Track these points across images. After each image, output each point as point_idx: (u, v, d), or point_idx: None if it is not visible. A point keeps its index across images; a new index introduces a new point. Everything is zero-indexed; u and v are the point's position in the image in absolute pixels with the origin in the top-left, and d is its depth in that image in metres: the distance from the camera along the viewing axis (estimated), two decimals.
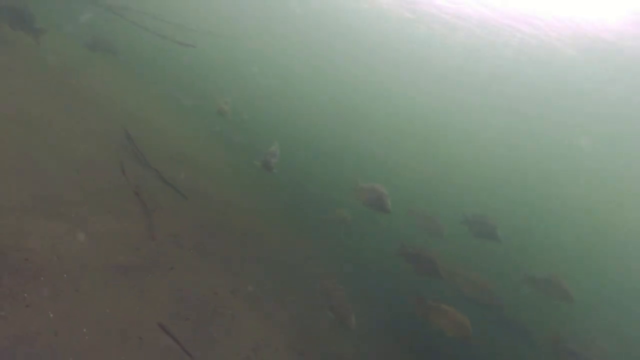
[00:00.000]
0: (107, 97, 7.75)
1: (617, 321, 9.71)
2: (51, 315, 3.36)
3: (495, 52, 20.72)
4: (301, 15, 27.91)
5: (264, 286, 6.01)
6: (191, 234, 5.85)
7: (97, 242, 4.40)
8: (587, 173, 29.78)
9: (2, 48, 6.55)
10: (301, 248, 8.27)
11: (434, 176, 16.69)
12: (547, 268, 9.53)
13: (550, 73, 20.92)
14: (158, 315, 4.10)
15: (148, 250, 4.89)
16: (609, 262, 13.93)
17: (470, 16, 16.80)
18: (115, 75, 9.41)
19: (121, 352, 3.46)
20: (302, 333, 5.67)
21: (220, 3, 25.82)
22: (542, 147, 32.35)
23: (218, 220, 6.78)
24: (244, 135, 9.95)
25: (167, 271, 4.80)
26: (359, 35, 29.33)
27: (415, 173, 15.84)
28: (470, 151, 29.02)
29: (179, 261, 5.12)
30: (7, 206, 3.95)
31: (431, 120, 35.82)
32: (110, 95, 8.04)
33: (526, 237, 13.29)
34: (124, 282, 4.20)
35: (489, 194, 17.61)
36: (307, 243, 8.62)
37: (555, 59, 18.20)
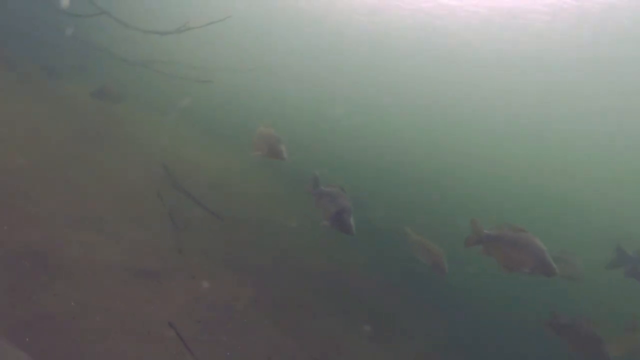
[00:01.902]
0: (144, 138, 9.15)
1: None
2: (72, 303, 3.94)
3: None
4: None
5: (291, 301, 6.12)
6: (221, 250, 6.32)
7: (127, 252, 5.06)
8: None
9: (51, 103, 8.23)
10: (358, 279, 8.15)
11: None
12: None
13: None
14: (170, 315, 4.49)
15: (174, 260, 5.43)
16: None
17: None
18: (148, 119, 10.93)
19: (126, 339, 3.87)
20: (331, 347, 5.58)
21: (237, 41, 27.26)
22: None
23: (254, 240, 7.18)
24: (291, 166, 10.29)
25: (188, 278, 5.25)
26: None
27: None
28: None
29: (203, 271, 5.55)
30: (51, 221, 4.84)
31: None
32: (147, 136, 9.44)
33: None
34: (144, 283, 4.72)
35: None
36: (365, 278, 8.37)
37: None
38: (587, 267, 6.50)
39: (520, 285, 7.09)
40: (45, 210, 4.94)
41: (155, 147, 8.91)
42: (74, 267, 4.37)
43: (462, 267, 6.93)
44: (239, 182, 9.62)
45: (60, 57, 10.24)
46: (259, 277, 6.20)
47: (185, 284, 5.12)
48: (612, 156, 28.73)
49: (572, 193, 17.13)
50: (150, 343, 4.00)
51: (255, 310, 5.39)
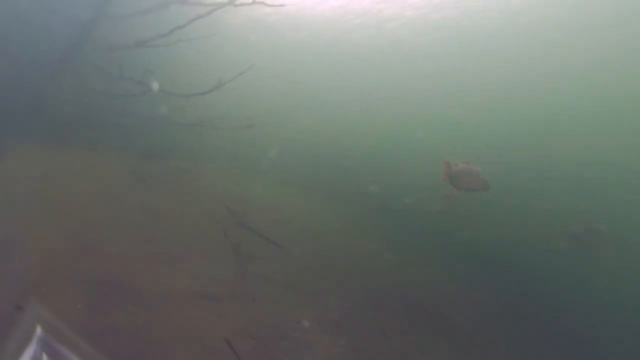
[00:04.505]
0: (208, 185, 10.10)
1: None
2: (141, 320, 4.38)
3: None
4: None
5: (356, 323, 5.91)
6: (284, 275, 6.48)
7: (191, 279, 5.50)
8: None
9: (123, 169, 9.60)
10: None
11: None
12: None
13: None
14: (227, 332, 4.68)
15: (235, 285, 5.72)
16: None
17: None
18: (210, 169, 11.95)
19: (181, 350, 4.13)
20: None
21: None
22: None
23: (318, 269, 7.23)
24: None
25: (249, 301, 5.46)
26: None
27: None
28: None
29: (265, 294, 5.73)
30: (127, 257, 5.55)
31: None
32: (211, 183, 10.40)
33: None
34: (206, 305, 5.04)
35: None
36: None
37: None
38: None
39: None
40: (122, 249, 5.70)
41: (218, 191, 9.87)
42: (144, 292, 4.88)
43: None
44: (305, 218, 9.96)
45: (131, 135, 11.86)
46: (323, 300, 6.16)
47: (245, 306, 5.32)
48: None
49: None
50: (204, 356, 4.20)
51: (315, 329, 5.33)
